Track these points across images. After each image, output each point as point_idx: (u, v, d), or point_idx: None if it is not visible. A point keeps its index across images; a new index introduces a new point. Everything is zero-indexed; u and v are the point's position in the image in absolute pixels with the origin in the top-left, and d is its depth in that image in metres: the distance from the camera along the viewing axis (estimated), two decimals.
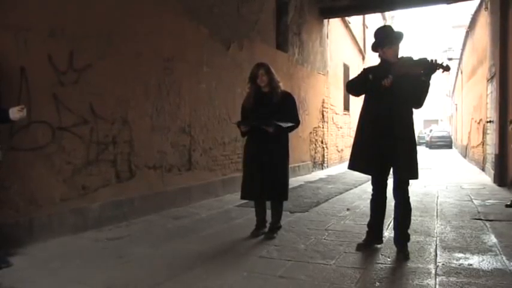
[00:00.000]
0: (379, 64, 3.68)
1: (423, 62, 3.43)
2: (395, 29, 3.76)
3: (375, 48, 3.69)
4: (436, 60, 3.41)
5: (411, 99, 3.52)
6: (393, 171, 3.58)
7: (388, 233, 4.16)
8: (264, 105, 4.08)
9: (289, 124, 4.07)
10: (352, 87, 3.78)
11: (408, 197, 3.59)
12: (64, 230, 4.14)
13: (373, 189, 3.75)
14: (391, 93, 3.45)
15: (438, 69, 3.42)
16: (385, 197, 3.72)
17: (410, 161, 3.50)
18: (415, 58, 3.53)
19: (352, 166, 3.74)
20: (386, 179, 3.69)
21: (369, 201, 3.87)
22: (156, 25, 5.42)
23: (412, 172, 3.52)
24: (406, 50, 43.10)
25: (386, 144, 3.49)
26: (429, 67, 3.39)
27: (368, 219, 3.85)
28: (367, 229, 3.83)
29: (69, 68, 4.25)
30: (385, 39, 3.60)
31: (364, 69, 3.74)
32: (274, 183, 4.10)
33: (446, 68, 3.42)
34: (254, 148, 4.17)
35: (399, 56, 3.59)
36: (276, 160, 4.12)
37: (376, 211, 3.76)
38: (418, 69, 3.41)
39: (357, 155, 3.71)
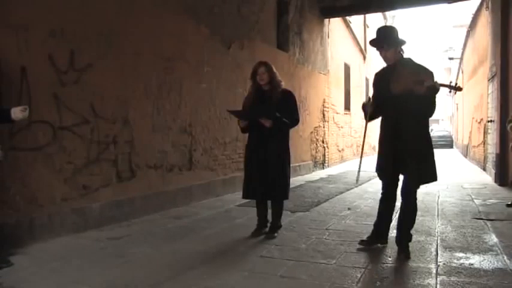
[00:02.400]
0: (383, 68, 3.70)
1: (421, 80, 3.28)
2: (399, 30, 3.72)
3: (373, 44, 3.71)
4: (438, 83, 3.28)
5: (417, 110, 3.41)
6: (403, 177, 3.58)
7: (390, 232, 4.15)
8: (264, 103, 4.07)
9: (285, 120, 4.02)
10: (371, 115, 3.72)
11: (415, 200, 3.57)
12: (65, 230, 4.14)
13: (382, 192, 3.75)
14: (395, 105, 3.45)
15: (450, 90, 3.29)
16: (395, 200, 3.71)
17: (419, 170, 3.44)
18: (414, 68, 3.44)
19: (376, 171, 3.78)
20: (397, 184, 3.67)
21: (370, 200, 3.89)
22: (157, 25, 5.42)
23: (423, 179, 3.50)
24: (408, 49, 42.90)
25: (395, 153, 3.50)
26: (432, 88, 3.25)
27: (369, 218, 3.85)
28: (373, 228, 3.83)
29: (70, 67, 4.25)
30: (380, 41, 3.59)
31: (369, 98, 3.77)
32: (275, 183, 4.09)
33: (458, 89, 3.32)
34: (255, 147, 4.17)
35: (399, 58, 3.54)
36: (276, 159, 4.11)
37: (383, 212, 3.77)
38: (418, 87, 3.25)
39: (377, 161, 3.74)
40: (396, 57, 3.54)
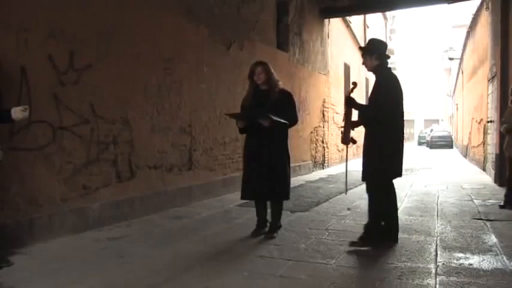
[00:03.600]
0: None
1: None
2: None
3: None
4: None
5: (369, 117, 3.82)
6: None
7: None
8: (262, 103, 4.07)
9: (283, 121, 4.01)
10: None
11: (379, 193, 3.80)
12: (64, 230, 4.14)
13: None
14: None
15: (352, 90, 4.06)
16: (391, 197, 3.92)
17: (367, 166, 3.81)
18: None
19: None
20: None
21: None
22: (156, 25, 5.42)
23: (371, 176, 3.82)
24: (408, 49, 43.11)
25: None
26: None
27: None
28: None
29: (70, 68, 4.25)
30: (364, 49, 3.96)
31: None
32: (274, 183, 4.09)
33: (354, 84, 4.06)
34: (253, 147, 4.17)
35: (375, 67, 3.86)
36: (276, 159, 4.11)
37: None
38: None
39: None
40: (373, 66, 3.82)
